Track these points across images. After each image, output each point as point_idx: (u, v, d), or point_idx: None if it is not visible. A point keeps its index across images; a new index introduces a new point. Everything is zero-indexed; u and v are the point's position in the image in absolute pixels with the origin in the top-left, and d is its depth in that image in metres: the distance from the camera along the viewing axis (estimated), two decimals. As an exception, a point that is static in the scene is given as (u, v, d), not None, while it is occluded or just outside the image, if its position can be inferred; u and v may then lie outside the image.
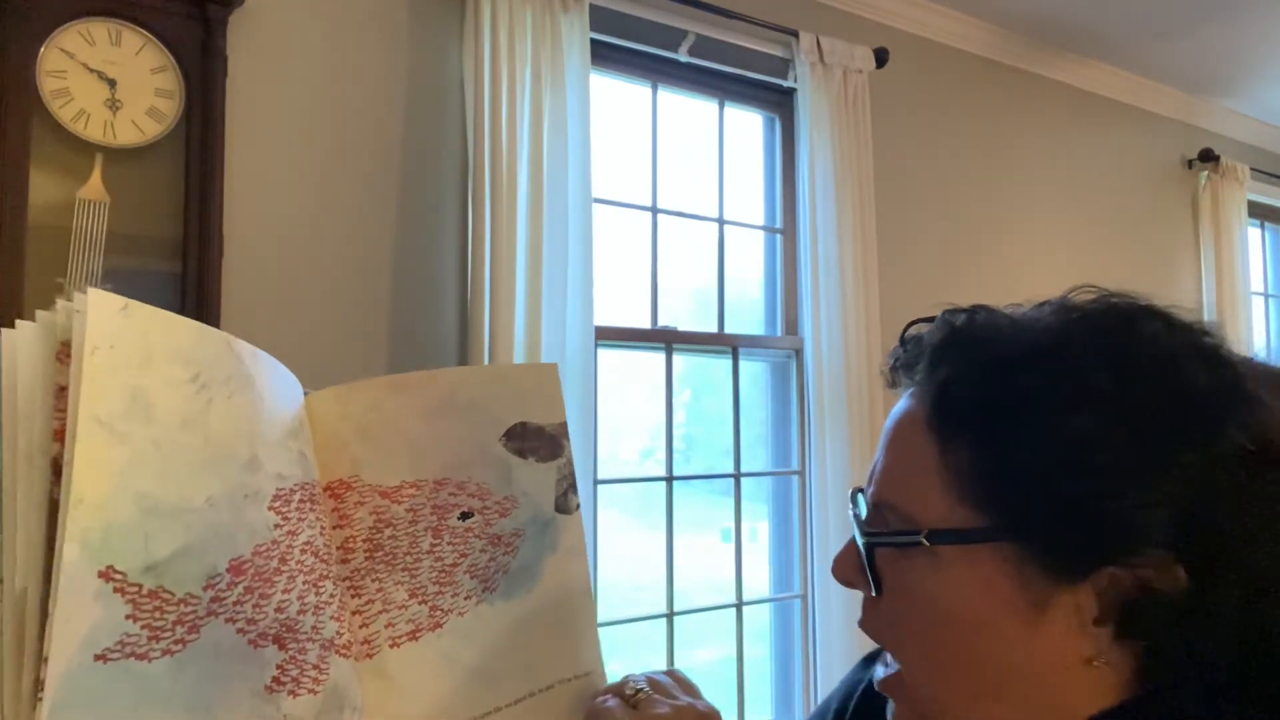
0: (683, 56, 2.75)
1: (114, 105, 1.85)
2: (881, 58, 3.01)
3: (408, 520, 0.60)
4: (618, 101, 2.78)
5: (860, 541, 0.57)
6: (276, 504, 0.53)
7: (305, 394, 0.60)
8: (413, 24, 2.33)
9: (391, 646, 0.59)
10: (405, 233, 2.26)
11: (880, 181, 3.06)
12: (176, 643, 0.47)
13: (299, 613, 0.53)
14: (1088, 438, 0.48)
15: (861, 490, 0.60)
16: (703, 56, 2.79)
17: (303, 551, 0.54)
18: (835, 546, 2.76)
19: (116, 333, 0.47)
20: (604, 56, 2.64)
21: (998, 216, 3.40)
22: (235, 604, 0.49)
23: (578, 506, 0.67)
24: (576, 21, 2.42)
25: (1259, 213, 4.28)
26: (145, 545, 0.46)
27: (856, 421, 2.80)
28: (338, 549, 0.59)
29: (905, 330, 0.60)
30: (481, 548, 0.62)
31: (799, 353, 2.93)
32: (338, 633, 0.56)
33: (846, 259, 2.85)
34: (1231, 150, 4.10)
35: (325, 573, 0.56)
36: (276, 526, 0.53)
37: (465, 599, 0.61)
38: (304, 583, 0.54)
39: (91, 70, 1.84)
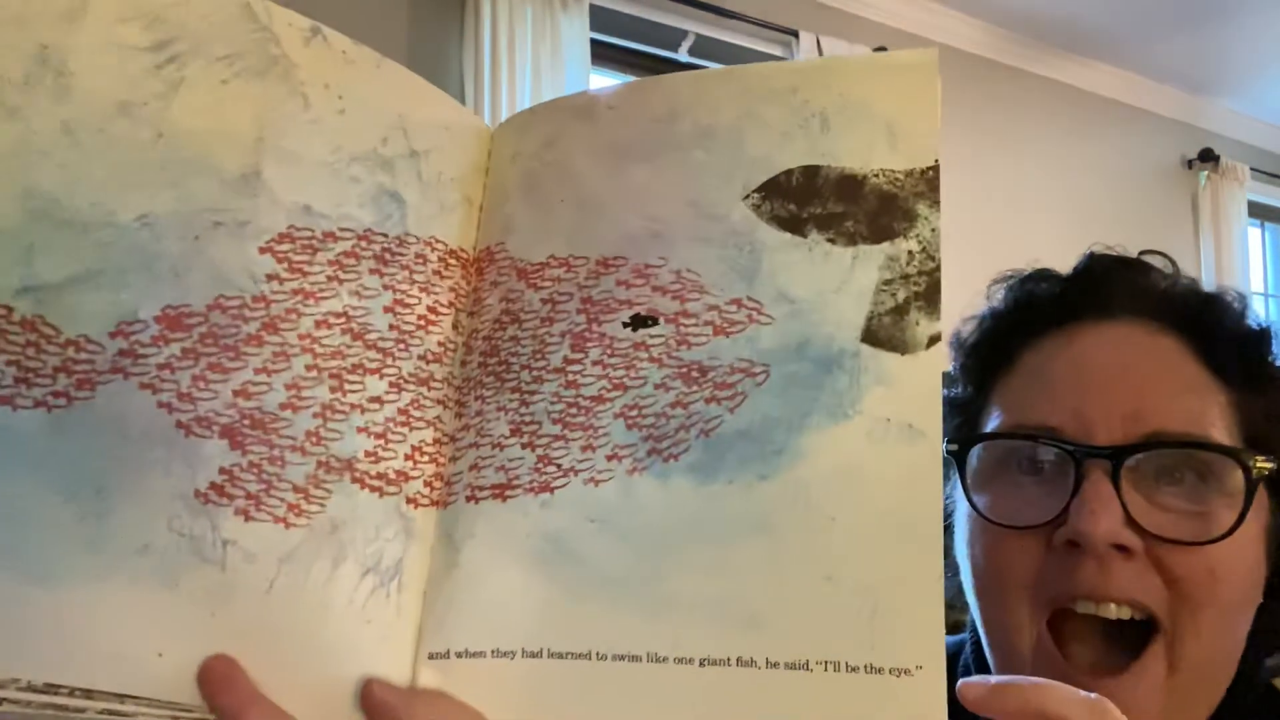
0: (683, 56, 2.76)
1: (114, 105, 1.84)
2: (881, 58, 3.01)
3: (540, 317, 0.40)
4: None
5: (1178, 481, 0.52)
6: (282, 247, 0.38)
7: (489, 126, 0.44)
8: (413, 24, 2.34)
9: (468, 499, 0.39)
10: (405, 232, 2.26)
11: (880, 181, 3.05)
12: (57, 395, 0.35)
13: (283, 407, 0.37)
14: None
15: (1057, 440, 0.52)
16: (703, 56, 2.80)
17: (322, 325, 0.38)
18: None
19: None
20: (604, 56, 2.65)
21: (997, 216, 3.40)
22: (161, 368, 0.36)
23: (933, 341, 0.36)
24: (576, 21, 2.43)
25: (1259, 213, 4.29)
26: (27, 259, 0.35)
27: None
28: (463, 345, 0.41)
29: (1101, 257, 0.60)
30: (661, 380, 0.38)
31: (799, 352, 2.93)
32: (367, 454, 0.38)
33: (846, 259, 2.85)
34: (1231, 150, 4.11)
35: (371, 365, 0.39)
36: (271, 278, 0.37)
37: (609, 459, 0.37)
38: (308, 368, 0.38)
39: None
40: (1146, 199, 3.90)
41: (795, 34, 2.88)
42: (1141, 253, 0.60)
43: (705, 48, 2.80)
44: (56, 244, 0.35)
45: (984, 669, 0.57)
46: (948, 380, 0.61)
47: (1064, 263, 0.62)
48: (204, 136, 0.37)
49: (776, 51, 2.92)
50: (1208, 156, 3.96)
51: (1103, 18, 3.31)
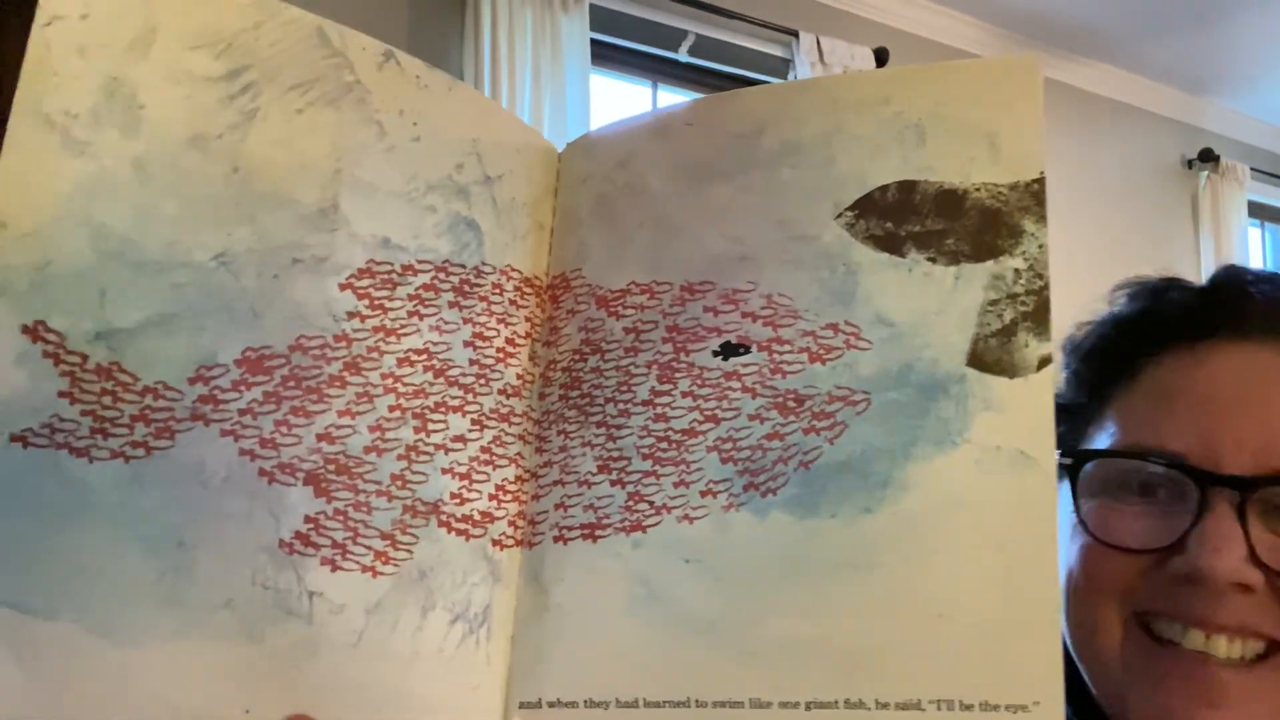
0: (683, 56, 2.76)
1: (114, 105, 1.84)
2: (881, 58, 3.01)
3: (623, 347, 0.38)
4: (618, 101, 2.79)
5: None
6: (362, 283, 0.36)
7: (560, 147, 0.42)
8: (413, 24, 2.34)
9: (556, 540, 0.37)
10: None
11: (880, 181, 3.05)
12: (135, 445, 0.33)
13: (368, 450, 0.36)
14: None
15: (1182, 465, 0.49)
16: (703, 56, 2.80)
17: (404, 363, 0.37)
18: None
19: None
20: (604, 56, 2.65)
21: (998, 216, 3.40)
22: (242, 413, 0.34)
23: (1044, 363, 0.34)
24: (576, 21, 2.43)
25: (1259, 213, 4.29)
26: (100, 303, 0.33)
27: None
28: (540, 377, 0.40)
29: (1239, 271, 0.56)
30: (756, 411, 0.36)
31: (799, 353, 2.93)
32: (453, 495, 0.37)
33: (846, 259, 2.85)
34: (1231, 150, 4.10)
35: (454, 402, 0.37)
36: (352, 316, 0.36)
37: (704, 495, 0.36)
38: (391, 409, 0.36)
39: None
40: (1146, 199, 3.90)
41: (795, 34, 2.88)
42: None
43: (705, 48, 2.80)
44: (131, 287, 0.34)
45: (1071, 672, 0.56)
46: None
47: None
48: (280, 169, 0.36)
49: (777, 52, 2.92)
50: (1208, 156, 3.96)
51: (1103, 18, 3.31)
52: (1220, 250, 3.90)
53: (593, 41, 2.52)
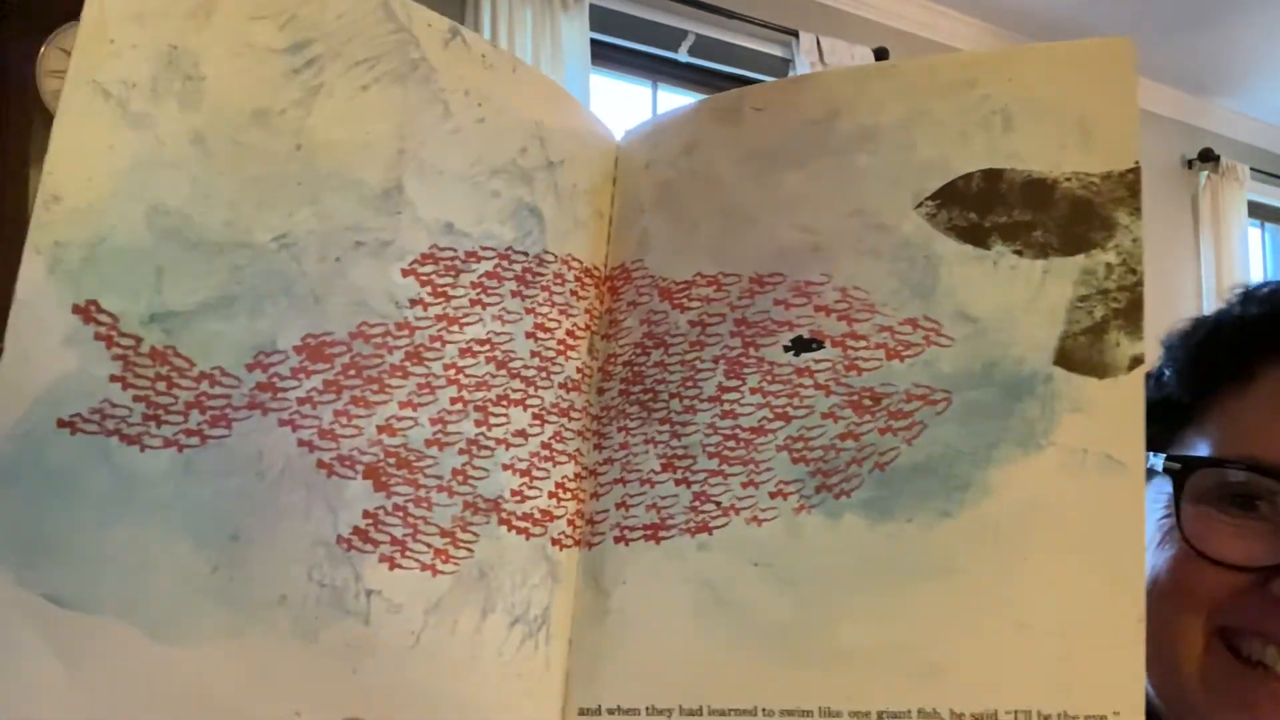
0: (683, 56, 2.76)
1: (114, 105, 1.84)
2: (881, 58, 3.01)
3: (689, 340, 0.36)
4: (618, 101, 2.79)
5: None
6: (425, 269, 0.35)
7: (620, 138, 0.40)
8: (413, 24, 2.34)
9: (617, 540, 0.36)
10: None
11: (880, 181, 3.05)
12: (189, 434, 0.31)
13: (429, 444, 0.34)
14: None
15: None
16: (703, 56, 2.80)
17: (466, 354, 0.35)
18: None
19: None
20: (604, 56, 2.65)
21: (998, 216, 3.40)
22: (301, 402, 0.33)
23: (1135, 363, 0.33)
24: (576, 21, 2.43)
25: (1259, 213, 4.29)
26: (156, 283, 0.32)
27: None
28: (598, 371, 0.38)
29: None
30: (829, 409, 0.34)
31: (799, 353, 2.93)
32: (513, 492, 0.35)
33: (846, 259, 2.85)
34: (1231, 150, 4.11)
35: (515, 396, 0.36)
36: (414, 303, 0.34)
37: (773, 496, 0.34)
38: (453, 401, 0.35)
39: (92, 70, 1.83)
40: (1147, 199, 3.86)
41: (795, 34, 2.88)
42: None
43: (705, 48, 2.80)
44: (188, 267, 0.32)
45: None
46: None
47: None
48: (344, 148, 0.34)
49: (777, 52, 2.93)
50: (1208, 156, 3.96)
51: (1103, 18, 3.31)
52: (1220, 250, 3.91)
53: (593, 41, 2.52)
